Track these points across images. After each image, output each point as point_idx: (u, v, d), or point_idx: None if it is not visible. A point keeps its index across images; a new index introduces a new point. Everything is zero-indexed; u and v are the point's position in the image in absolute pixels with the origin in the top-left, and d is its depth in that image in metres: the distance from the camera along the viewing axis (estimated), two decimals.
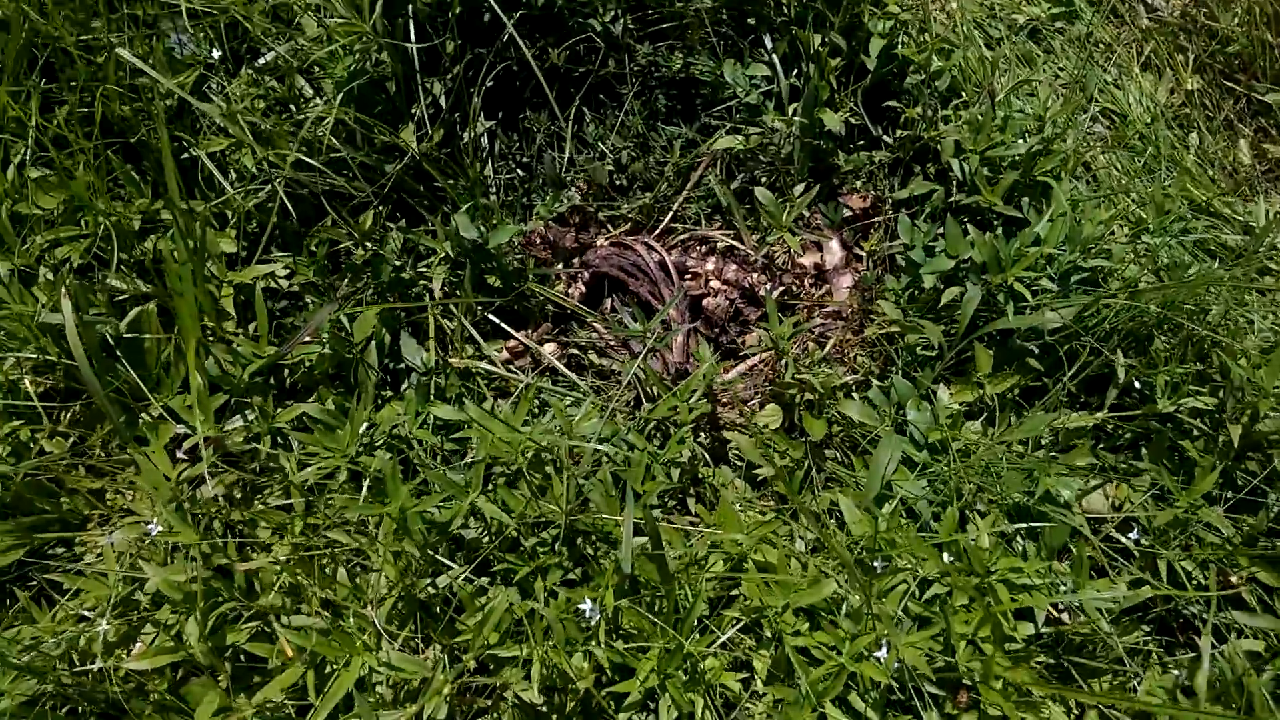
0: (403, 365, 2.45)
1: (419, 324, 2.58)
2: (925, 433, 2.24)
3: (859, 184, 2.80)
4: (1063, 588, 1.89)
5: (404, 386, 2.43)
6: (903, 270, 2.54)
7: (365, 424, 2.23)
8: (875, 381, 2.45)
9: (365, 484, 2.07)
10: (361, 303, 2.45)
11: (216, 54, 2.49)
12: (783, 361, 2.46)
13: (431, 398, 2.38)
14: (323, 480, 2.18)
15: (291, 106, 2.56)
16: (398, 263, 2.51)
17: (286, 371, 2.41)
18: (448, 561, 2.00)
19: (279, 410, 2.25)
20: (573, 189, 2.84)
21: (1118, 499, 2.14)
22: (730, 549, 2.07)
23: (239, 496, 2.21)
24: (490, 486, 2.14)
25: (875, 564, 2.03)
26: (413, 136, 2.55)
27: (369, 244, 2.46)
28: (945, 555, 1.97)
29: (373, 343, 2.39)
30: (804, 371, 2.48)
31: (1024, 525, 2.01)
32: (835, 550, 1.93)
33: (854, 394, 2.46)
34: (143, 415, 2.25)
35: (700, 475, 2.42)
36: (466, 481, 2.05)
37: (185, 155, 2.41)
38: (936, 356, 2.38)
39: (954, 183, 2.60)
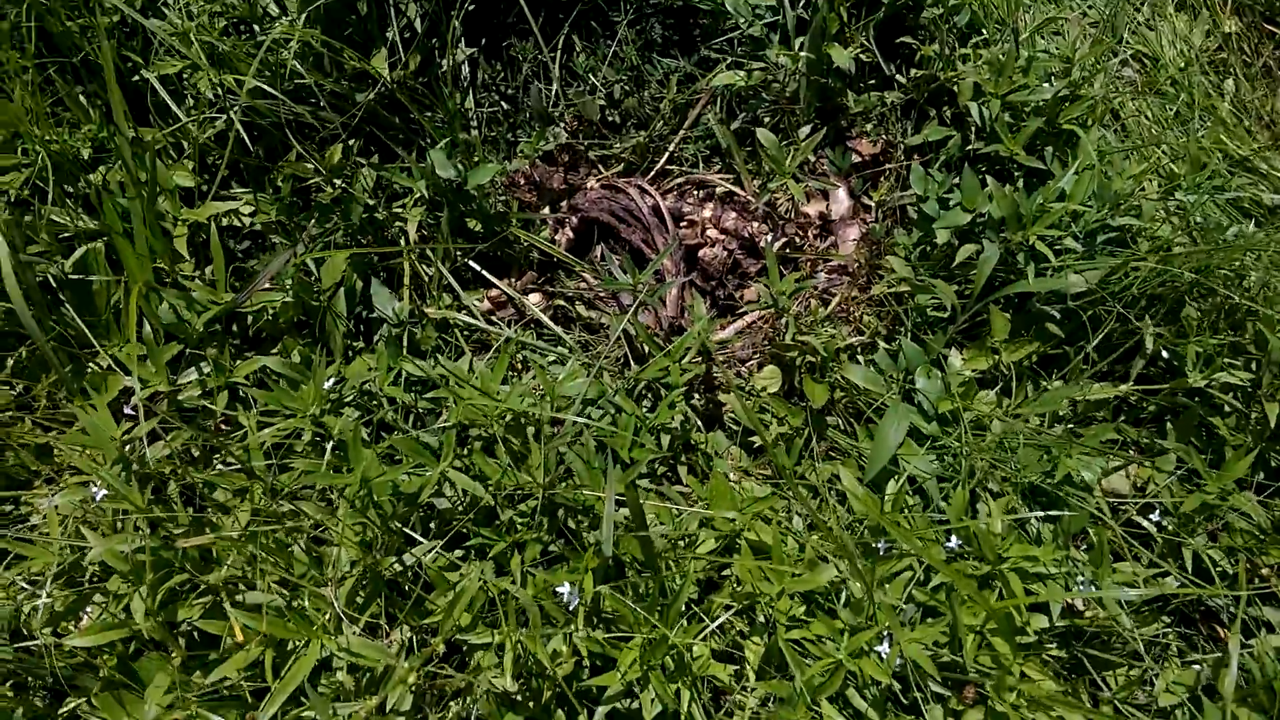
0: (375, 315, 2.27)
1: (393, 270, 2.39)
2: (935, 402, 2.08)
3: (869, 128, 2.60)
4: (1080, 578, 1.75)
5: (376, 338, 2.25)
6: (914, 224, 2.36)
7: (331, 379, 2.06)
8: (882, 344, 2.29)
9: (329, 448, 1.90)
10: (330, 245, 2.26)
11: None
12: (783, 320, 2.29)
13: (405, 351, 2.21)
14: (286, 440, 2.01)
15: (254, 26, 2.33)
16: (370, 202, 2.31)
17: (249, 319, 2.22)
18: (417, 536, 1.85)
19: (237, 363, 2.08)
20: (561, 125, 2.64)
21: (1140, 479, 1.99)
22: (722, 526, 1.93)
23: (196, 455, 2.05)
24: (466, 451, 1.98)
25: (878, 546, 1.89)
26: (385, 63, 2.33)
27: (337, 181, 2.26)
28: (954, 539, 1.83)
29: (341, 290, 2.21)
30: (806, 331, 2.31)
31: (1041, 512, 1.86)
32: (834, 535, 1.79)
33: (859, 357, 2.30)
34: (90, 365, 2.07)
35: (693, 441, 2.26)
36: (438, 447, 1.89)
37: (136, 78, 2.19)
38: (949, 319, 2.21)
39: (972, 129, 2.40)
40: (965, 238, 2.25)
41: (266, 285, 2.04)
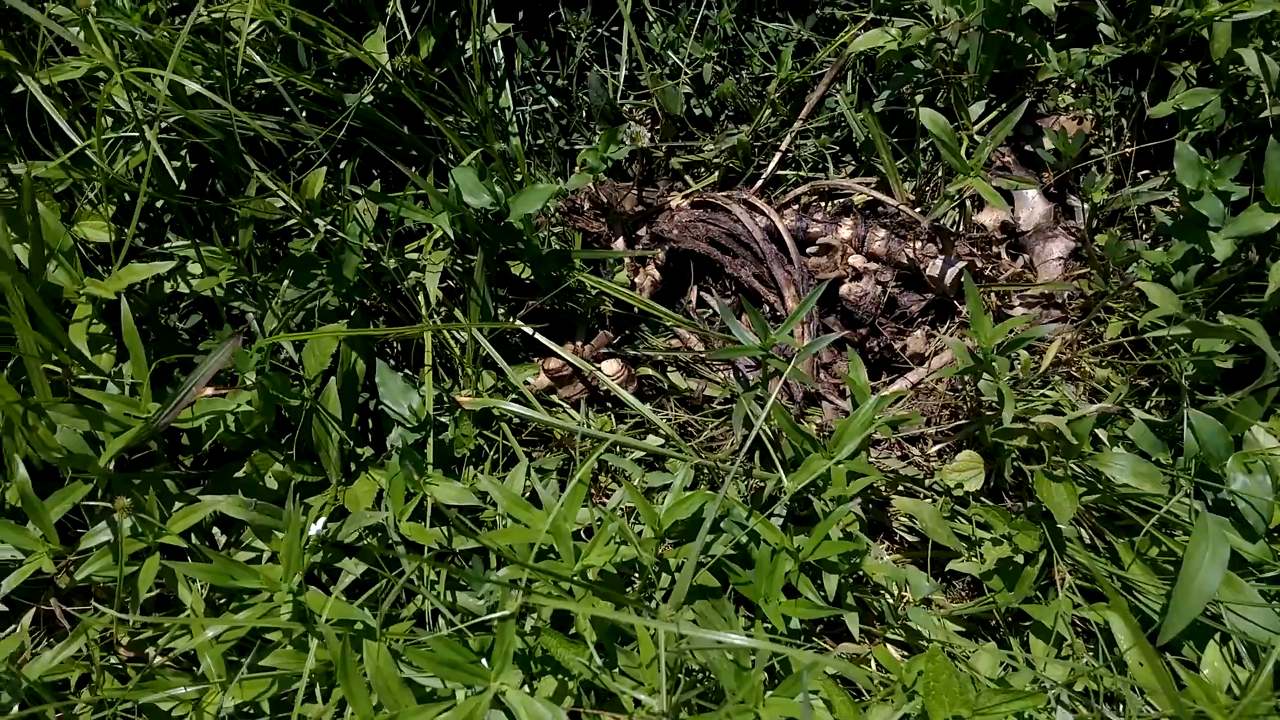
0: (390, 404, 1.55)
1: (409, 343, 1.68)
2: (1267, 511, 1.31)
3: (1067, 99, 1.84)
4: None
5: (389, 443, 1.53)
6: (1170, 232, 1.59)
7: (319, 522, 1.34)
8: (1139, 414, 1.52)
9: (312, 650, 1.18)
10: (314, 316, 1.55)
11: None
12: (981, 383, 1.53)
13: (430, 464, 1.49)
14: (253, 639, 1.30)
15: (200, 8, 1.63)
16: (371, 248, 1.60)
17: (204, 429, 1.51)
18: None
19: (178, 508, 1.37)
20: (633, 124, 1.91)
21: None
22: None
23: (111, 663, 1.34)
24: (529, 629, 1.26)
25: None
26: (383, 47, 1.62)
27: (321, 222, 1.55)
28: None
29: (334, 380, 1.50)
30: (1023, 394, 1.56)
31: None
32: None
33: (1099, 434, 1.53)
34: None
35: (862, 574, 1.51)
36: (483, 651, 1.16)
37: (18, 89, 1.50)
38: (1249, 377, 1.45)
39: (1245, 90, 1.63)
40: (1265, 249, 1.48)
41: (211, 390, 1.33)
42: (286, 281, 1.50)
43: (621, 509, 1.53)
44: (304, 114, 1.73)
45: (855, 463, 1.44)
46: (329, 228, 1.55)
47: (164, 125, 1.51)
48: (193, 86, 1.45)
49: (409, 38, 1.68)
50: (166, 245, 1.54)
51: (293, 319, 1.55)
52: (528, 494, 1.53)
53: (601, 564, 1.23)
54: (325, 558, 1.43)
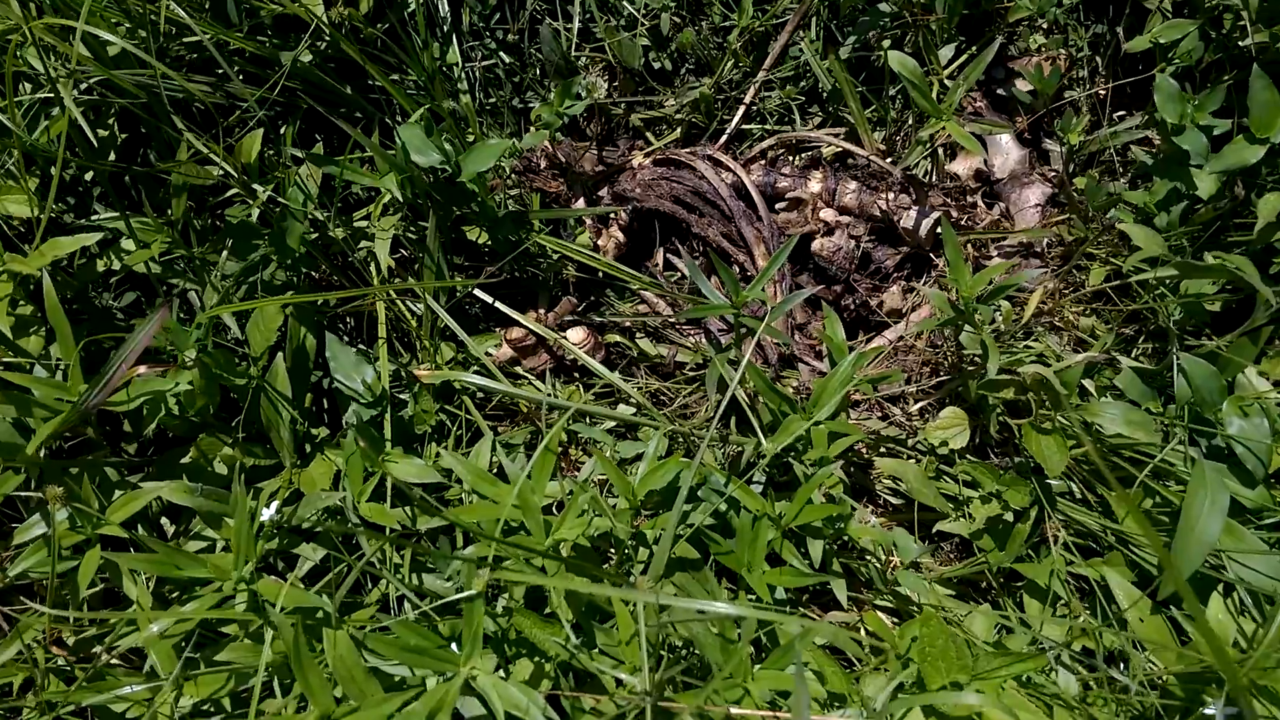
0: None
1: (363, 315, 1.58)
2: (1266, 455, 1.26)
3: (1039, 40, 1.77)
4: None
5: (345, 421, 1.44)
6: (1150, 171, 1.53)
7: (272, 506, 1.25)
8: (1126, 362, 1.46)
9: (268, 642, 1.09)
10: (257, 289, 1.45)
11: None
12: (963, 336, 1.47)
13: (389, 442, 1.40)
14: (204, 632, 1.21)
15: None
16: (317, 216, 1.50)
17: (144, 411, 1.41)
18: None
19: (118, 496, 1.27)
20: (590, 78, 1.82)
21: None
22: (948, 709, 1.11)
23: (62, 662, 1.25)
24: (501, 609, 1.18)
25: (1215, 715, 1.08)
26: (319, 1, 1.52)
27: (261, 189, 1.45)
28: None
29: (281, 356, 1.40)
30: (1007, 345, 1.50)
31: None
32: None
33: (1088, 385, 1.48)
34: None
35: (852, 541, 1.45)
36: (453, 635, 1.08)
37: None
38: (1238, 319, 1.40)
39: (1223, 23, 1.57)
40: (1251, 184, 1.43)
41: (143, 368, 1.23)
42: (226, 253, 1.40)
43: (594, 481, 1.45)
44: (240, 75, 1.63)
45: (836, 423, 1.37)
46: (270, 195, 1.45)
47: (84, 88, 1.40)
48: (113, 42, 1.34)
49: None
50: (95, 218, 1.43)
51: (235, 293, 1.45)
52: (494, 470, 1.45)
53: (574, 537, 1.16)
54: (281, 544, 1.34)
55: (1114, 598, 1.33)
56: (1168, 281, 1.45)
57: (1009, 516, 1.41)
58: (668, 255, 1.80)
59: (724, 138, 1.83)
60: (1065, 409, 1.37)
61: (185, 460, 1.39)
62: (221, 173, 1.41)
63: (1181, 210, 1.45)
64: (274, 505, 1.26)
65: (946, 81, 1.71)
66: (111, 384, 1.12)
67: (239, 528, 1.10)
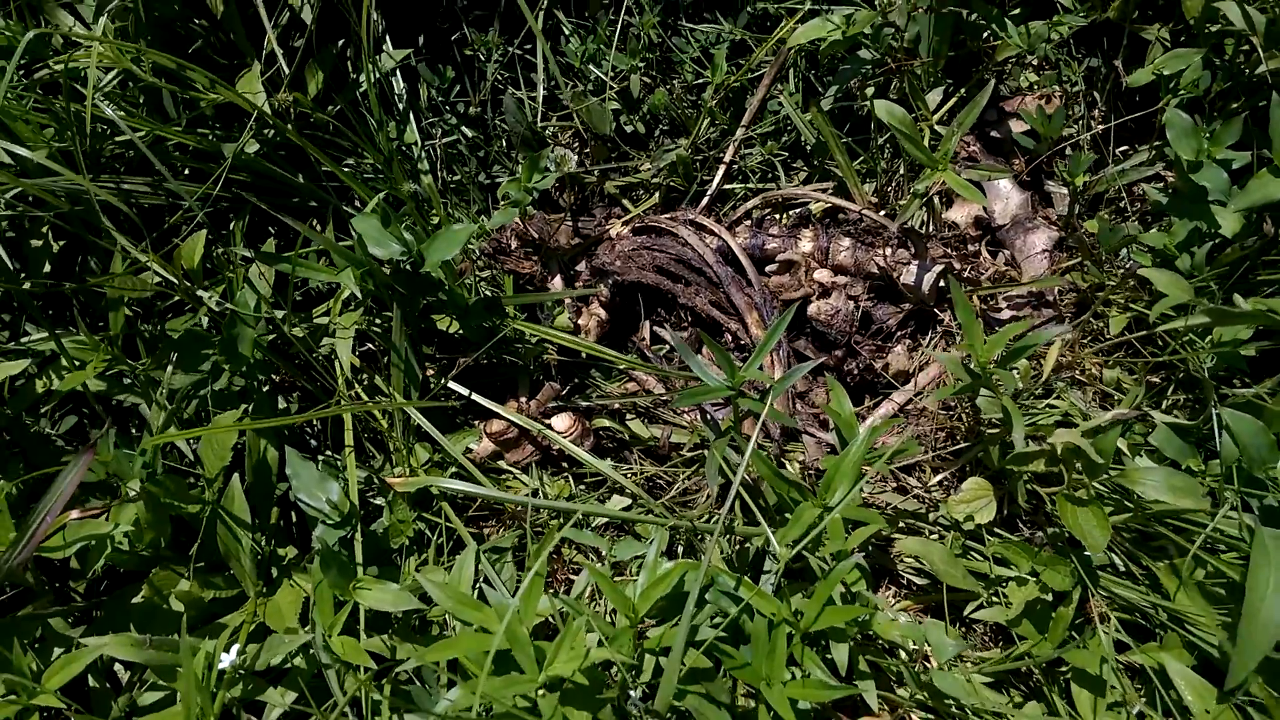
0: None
1: (328, 423, 1.46)
2: None
3: (1031, 78, 1.68)
4: None
5: (314, 542, 1.31)
6: (1165, 210, 1.43)
7: (232, 651, 1.11)
8: (1159, 416, 1.34)
9: None
10: (207, 405, 1.32)
11: None
12: (980, 399, 1.35)
13: (359, 566, 1.27)
14: None
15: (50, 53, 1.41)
16: (271, 315, 1.38)
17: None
18: None
19: (58, 654, 1.14)
20: (559, 149, 1.71)
21: None
22: None
23: None
24: None
25: None
26: (259, 87, 1.41)
27: (207, 295, 1.33)
28: None
29: (236, 480, 1.27)
30: (1027, 406, 1.38)
31: None
32: None
33: (1120, 443, 1.35)
34: None
35: (878, 637, 1.32)
36: None
37: None
38: (1273, 362, 1.28)
39: (1224, 49, 1.48)
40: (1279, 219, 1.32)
41: (75, 513, 1.10)
42: (170, 368, 1.28)
43: (589, 589, 1.32)
44: (185, 171, 1.52)
45: (853, 509, 1.24)
46: (218, 301, 1.33)
47: (6, 200, 1.29)
48: (25, 156, 1.23)
49: (286, 71, 1.47)
50: (25, 340, 1.31)
51: (185, 409, 1.33)
52: (480, 582, 1.32)
53: (570, 672, 1.02)
54: (246, 690, 1.20)
55: (1171, 683, 1.20)
56: (1197, 329, 1.33)
57: (1048, 597, 1.28)
58: (655, 329, 1.68)
59: (705, 200, 1.72)
60: (1100, 477, 1.25)
61: (137, 600, 1.25)
62: (160, 281, 1.29)
63: (1207, 251, 1.34)
64: (234, 650, 1.12)
65: (937, 128, 1.61)
66: (36, 538, 0.99)
67: (187, 692, 0.96)
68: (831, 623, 1.16)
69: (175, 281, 1.28)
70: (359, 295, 1.34)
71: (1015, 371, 1.35)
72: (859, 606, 1.16)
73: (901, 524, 1.47)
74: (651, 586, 1.14)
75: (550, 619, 1.28)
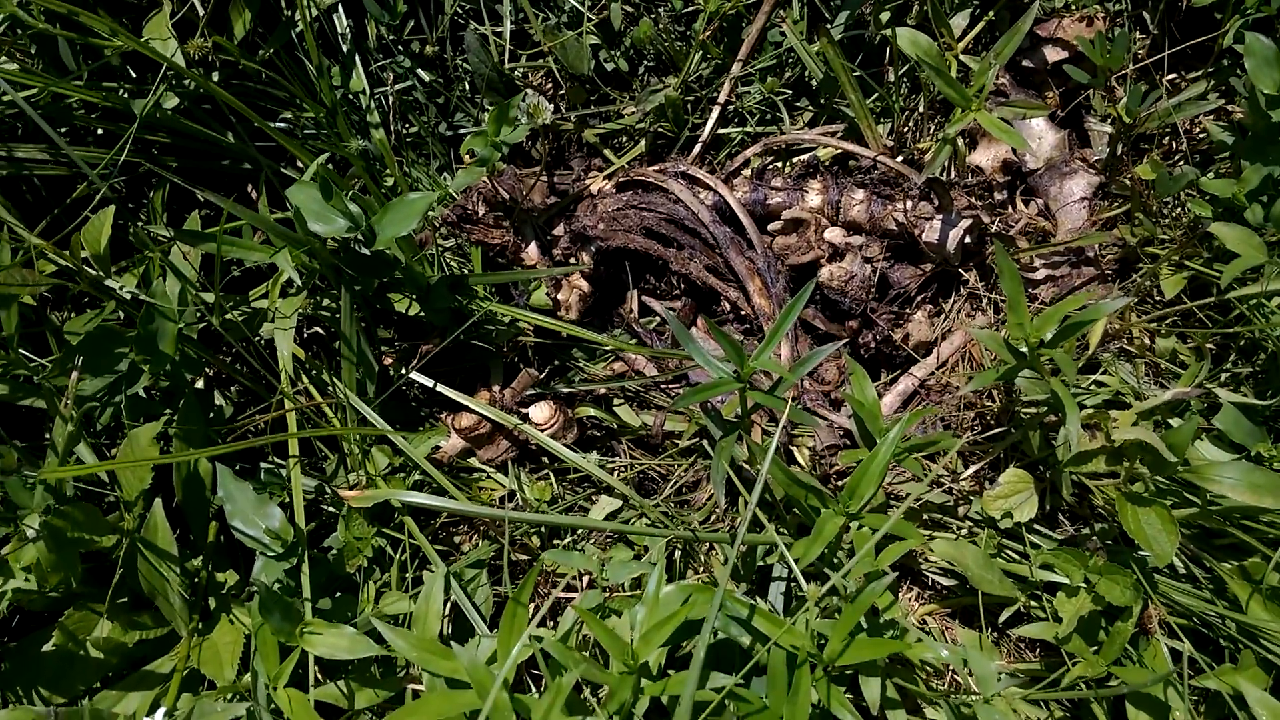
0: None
1: (268, 425, 1.27)
2: None
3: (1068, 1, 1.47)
4: None
5: (255, 574, 1.13)
6: (1233, 152, 1.23)
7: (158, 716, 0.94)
8: (1225, 395, 1.16)
9: None
10: (120, 415, 1.13)
11: None
12: (1021, 380, 1.17)
13: (307, 602, 1.09)
14: None
15: None
16: (200, 300, 1.18)
17: None
18: None
19: None
20: (530, 93, 1.49)
21: None
22: None
23: None
24: None
25: None
26: (169, 32, 1.19)
27: (118, 284, 1.12)
28: None
29: (158, 505, 1.09)
30: (1079, 390, 1.20)
31: None
32: None
33: (1170, 424, 1.18)
34: None
35: (915, 662, 1.16)
36: None
37: None
38: None
39: None
40: None
41: None
42: (75, 373, 1.08)
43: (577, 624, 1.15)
44: (98, 132, 1.31)
45: (883, 519, 1.07)
46: (131, 292, 1.13)
47: None
48: None
49: (201, 11, 1.24)
50: None
51: (97, 419, 1.13)
52: (450, 611, 1.15)
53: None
54: None
55: (1251, 710, 1.04)
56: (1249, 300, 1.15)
57: (1100, 608, 1.12)
58: (644, 299, 1.49)
59: (698, 147, 1.51)
60: (1170, 474, 1.07)
61: (50, 646, 1.07)
62: (59, 269, 1.09)
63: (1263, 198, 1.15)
64: (160, 714, 0.95)
65: (963, 58, 1.40)
66: None
67: None
68: (861, 657, 1.00)
69: (72, 265, 1.08)
70: (298, 280, 1.13)
71: (1065, 350, 1.16)
72: (894, 640, 0.99)
73: (926, 515, 1.30)
74: (654, 629, 0.96)
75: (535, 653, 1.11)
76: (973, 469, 1.27)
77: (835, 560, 1.14)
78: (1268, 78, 1.13)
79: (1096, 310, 1.09)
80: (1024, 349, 1.10)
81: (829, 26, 1.44)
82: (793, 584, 1.19)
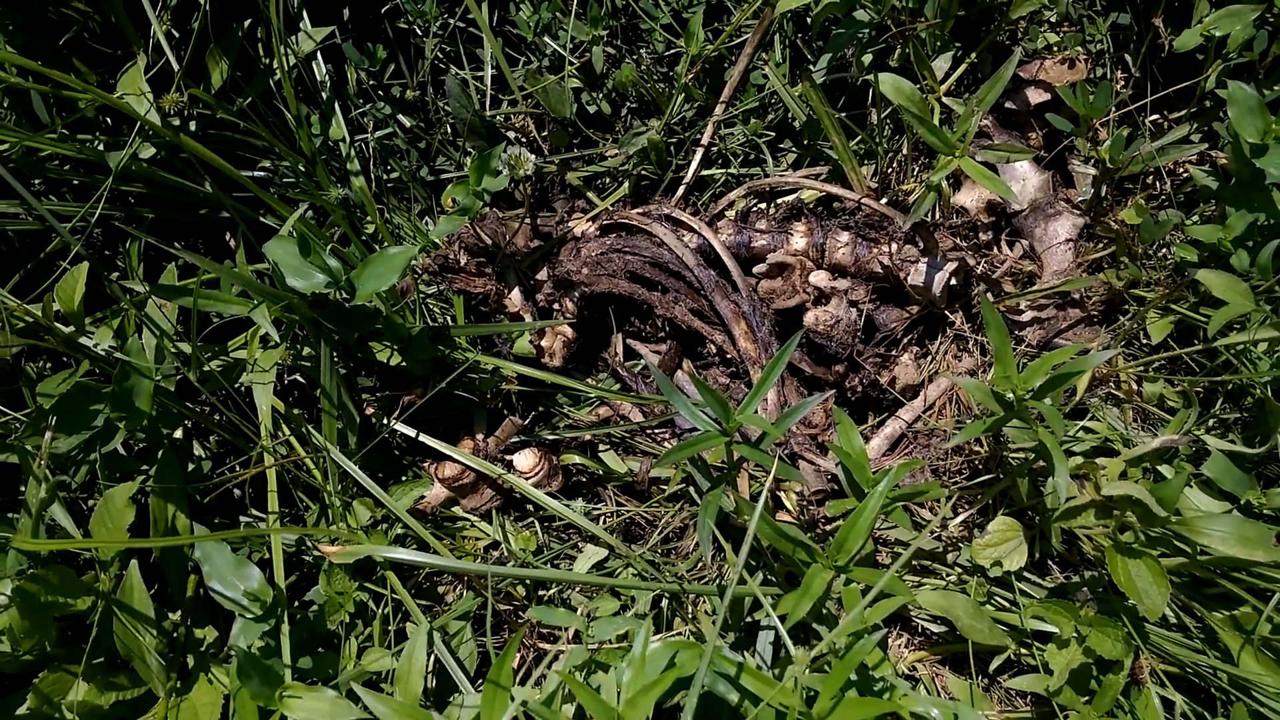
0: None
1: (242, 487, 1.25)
2: None
3: (1050, 37, 1.47)
4: None
5: (232, 636, 1.11)
6: (1218, 197, 1.23)
7: None
8: (1214, 443, 1.16)
9: None
10: (95, 478, 1.11)
11: None
12: (1009, 428, 1.16)
13: (287, 667, 1.07)
14: None
15: None
16: (177, 350, 1.17)
17: None
18: None
19: None
20: (511, 142, 1.49)
21: None
22: None
23: None
24: None
25: None
26: (143, 85, 1.18)
27: (94, 340, 1.11)
28: None
29: (134, 566, 1.07)
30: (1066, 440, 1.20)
31: None
32: None
33: (1164, 470, 1.17)
34: None
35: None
36: None
37: None
38: None
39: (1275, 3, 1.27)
40: None
41: None
42: (48, 433, 1.06)
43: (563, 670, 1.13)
44: (75, 183, 1.29)
45: (873, 574, 1.06)
46: (108, 349, 1.11)
47: None
48: None
49: (175, 65, 1.23)
50: None
51: (73, 477, 1.11)
52: (433, 669, 1.13)
53: None
54: None
55: None
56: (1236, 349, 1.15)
57: (1091, 660, 1.10)
58: (629, 342, 1.48)
59: (682, 189, 1.51)
60: (1159, 526, 1.07)
61: (24, 711, 1.05)
62: (26, 326, 1.07)
63: (1273, 251, 1.15)
64: None
65: (947, 101, 1.40)
66: None
67: None
68: (850, 718, 0.98)
69: (50, 327, 1.06)
70: (275, 336, 1.12)
71: (1053, 401, 1.15)
72: (882, 701, 0.98)
73: (915, 563, 1.29)
74: (640, 694, 0.95)
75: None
76: (962, 516, 1.26)
77: (824, 611, 1.13)
78: (1250, 126, 1.13)
79: (1084, 362, 1.09)
80: (1011, 398, 1.09)
81: (811, 69, 1.44)
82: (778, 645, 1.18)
